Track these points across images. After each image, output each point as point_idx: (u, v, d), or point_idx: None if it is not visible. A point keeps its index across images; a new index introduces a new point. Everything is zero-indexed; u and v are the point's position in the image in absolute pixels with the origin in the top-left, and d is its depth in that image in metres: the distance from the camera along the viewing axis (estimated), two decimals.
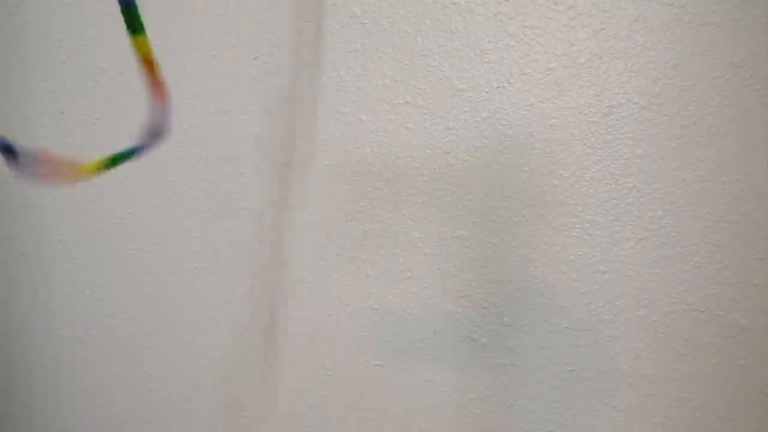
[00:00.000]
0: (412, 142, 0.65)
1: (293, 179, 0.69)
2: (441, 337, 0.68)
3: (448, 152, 0.64)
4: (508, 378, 0.67)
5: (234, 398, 0.75)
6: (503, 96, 0.62)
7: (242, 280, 0.72)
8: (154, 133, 0.42)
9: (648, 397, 0.64)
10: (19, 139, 0.76)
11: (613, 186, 0.61)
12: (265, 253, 0.71)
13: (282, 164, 0.69)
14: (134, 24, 0.39)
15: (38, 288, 0.79)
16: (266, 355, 0.73)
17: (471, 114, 0.63)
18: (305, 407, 0.73)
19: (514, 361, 0.66)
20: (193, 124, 0.70)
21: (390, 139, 0.65)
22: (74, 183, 0.44)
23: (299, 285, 0.70)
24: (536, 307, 0.65)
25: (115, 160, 0.39)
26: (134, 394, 0.78)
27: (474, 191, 0.64)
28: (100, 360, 0.78)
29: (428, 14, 0.63)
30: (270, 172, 0.69)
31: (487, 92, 0.63)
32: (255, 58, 0.68)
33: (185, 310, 0.74)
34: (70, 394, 0.81)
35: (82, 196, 0.75)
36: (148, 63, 0.40)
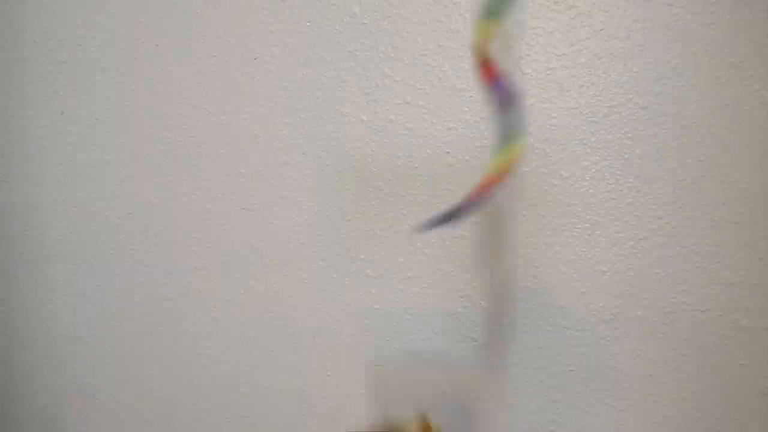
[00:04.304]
0: (412, 142, 0.65)
1: (293, 179, 0.69)
2: (441, 337, 0.68)
3: (448, 152, 0.64)
4: (508, 378, 0.67)
5: (234, 398, 0.75)
6: None
7: (242, 280, 0.72)
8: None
9: (648, 397, 0.64)
10: (19, 138, 0.76)
11: (613, 186, 0.61)
12: (266, 253, 0.71)
13: (282, 164, 0.69)
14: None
15: (38, 288, 0.79)
16: (266, 355, 0.73)
17: (471, 114, 0.63)
18: (305, 407, 0.73)
19: (514, 361, 0.66)
20: (193, 125, 0.70)
21: (390, 139, 0.65)
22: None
23: (299, 285, 0.70)
24: (536, 307, 0.65)
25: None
26: (134, 394, 0.78)
27: None
28: (100, 360, 0.78)
29: (428, 14, 0.63)
30: (270, 172, 0.69)
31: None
32: (255, 58, 0.68)
33: (185, 310, 0.74)
34: (70, 394, 0.80)
35: (82, 196, 0.75)
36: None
